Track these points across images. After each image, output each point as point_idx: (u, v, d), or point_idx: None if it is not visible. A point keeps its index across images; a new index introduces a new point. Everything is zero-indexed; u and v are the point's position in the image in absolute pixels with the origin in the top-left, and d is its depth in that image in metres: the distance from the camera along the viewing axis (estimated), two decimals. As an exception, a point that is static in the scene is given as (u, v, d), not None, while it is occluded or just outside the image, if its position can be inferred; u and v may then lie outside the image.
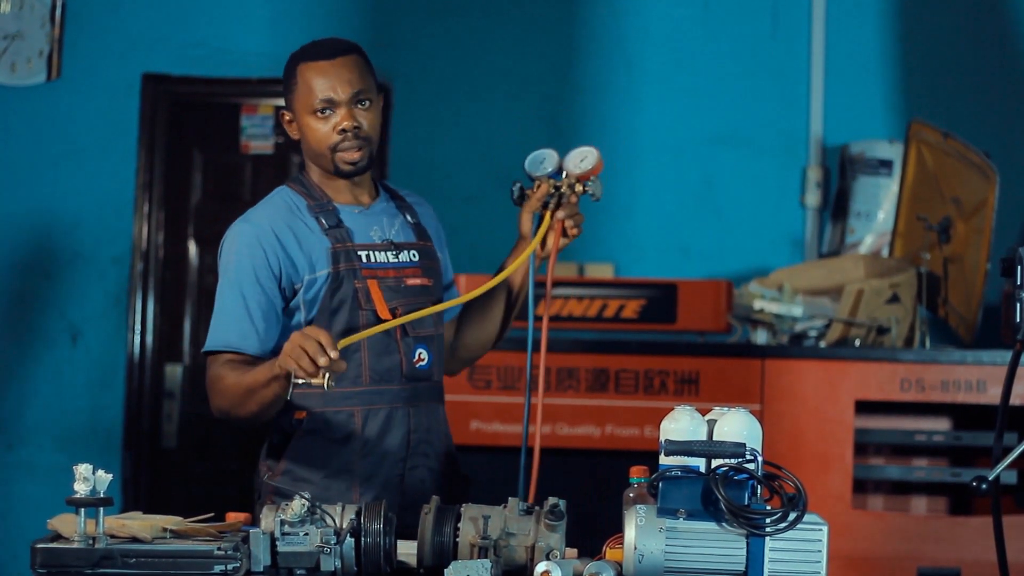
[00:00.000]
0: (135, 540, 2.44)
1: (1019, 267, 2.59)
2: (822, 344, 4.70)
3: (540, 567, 2.40)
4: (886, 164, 5.25)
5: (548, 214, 3.04)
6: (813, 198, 5.45)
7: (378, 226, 3.06)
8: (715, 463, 2.41)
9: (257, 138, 5.63)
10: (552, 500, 2.51)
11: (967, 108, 5.41)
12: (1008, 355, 2.65)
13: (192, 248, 5.64)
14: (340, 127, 2.97)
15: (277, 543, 2.47)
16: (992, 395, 4.51)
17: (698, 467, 2.42)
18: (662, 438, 2.45)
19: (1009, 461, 2.52)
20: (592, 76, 5.55)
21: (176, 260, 5.64)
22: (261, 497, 2.99)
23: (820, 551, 2.36)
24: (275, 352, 2.95)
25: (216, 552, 2.40)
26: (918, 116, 5.08)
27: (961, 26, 5.47)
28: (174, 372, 5.61)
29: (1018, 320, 2.60)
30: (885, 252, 5.18)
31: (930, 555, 4.44)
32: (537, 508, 2.53)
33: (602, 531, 2.53)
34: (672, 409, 2.50)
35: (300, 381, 2.68)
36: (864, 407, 4.58)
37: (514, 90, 5.56)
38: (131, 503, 5.43)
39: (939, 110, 5.29)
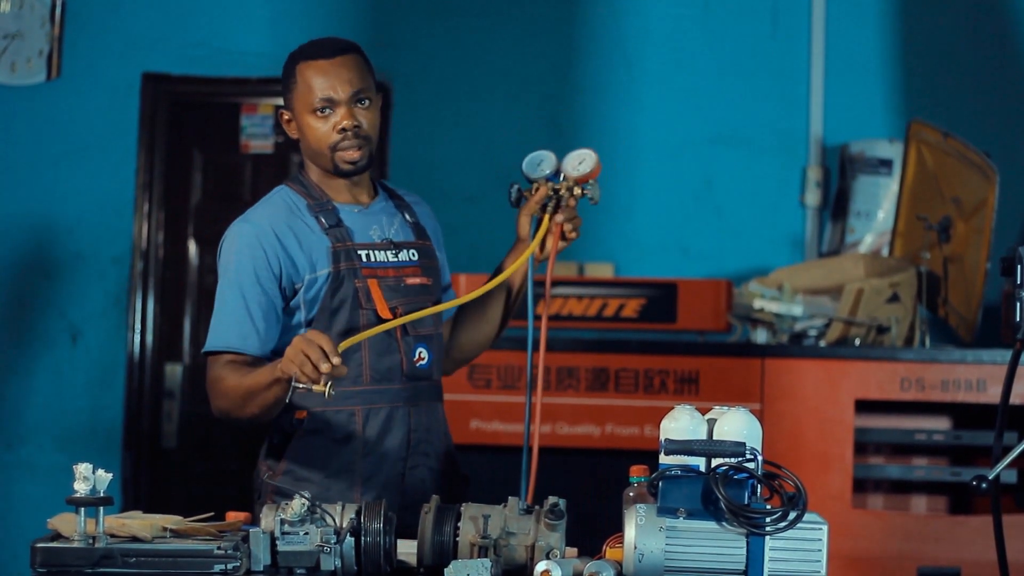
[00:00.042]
0: (135, 539, 2.44)
1: (1019, 266, 2.59)
2: (822, 343, 4.70)
3: (540, 566, 2.40)
4: (886, 164, 5.26)
5: (547, 217, 3.03)
6: (813, 198, 5.45)
7: (377, 225, 3.06)
8: (715, 462, 2.41)
9: (257, 138, 5.63)
10: (552, 499, 2.51)
11: (967, 108, 5.41)
12: (1008, 354, 2.65)
13: (192, 248, 5.65)
14: (340, 126, 2.97)
15: (277, 542, 2.47)
16: (992, 394, 4.51)
17: (698, 466, 2.42)
18: (662, 437, 2.45)
19: (1009, 460, 2.52)
20: (592, 76, 5.55)
21: (176, 260, 5.64)
22: (261, 497, 2.99)
23: (820, 550, 2.36)
24: (275, 352, 2.95)
25: (216, 551, 2.40)
26: (918, 116, 5.08)
27: (961, 26, 5.47)
28: (174, 372, 5.61)
29: (1018, 319, 2.60)
30: (885, 252, 5.18)
31: (930, 554, 4.44)
32: (537, 507, 2.53)
33: (602, 530, 2.53)
34: (672, 408, 2.50)
35: (301, 386, 2.67)
36: (864, 406, 4.58)
37: (514, 90, 5.57)
38: (131, 503, 5.43)
39: (939, 110, 5.29)
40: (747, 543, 2.35)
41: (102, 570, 2.38)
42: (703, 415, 2.48)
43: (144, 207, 5.61)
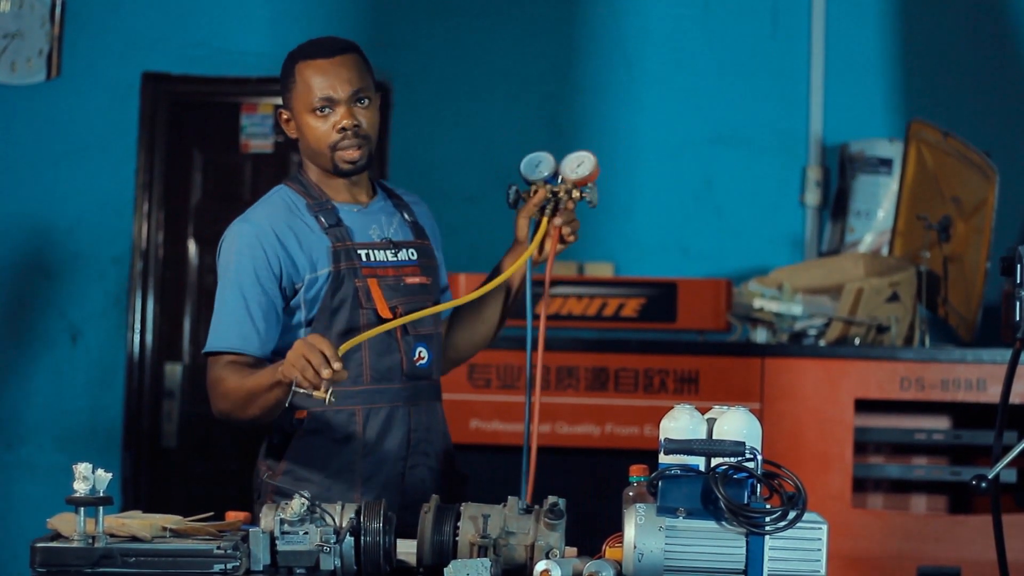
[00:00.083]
0: (135, 539, 2.44)
1: (1019, 266, 2.59)
2: (822, 343, 4.70)
3: (540, 566, 2.40)
4: (886, 163, 5.25)
5: (545, 220, 3.03)
6: (813, 197, 5.45)
7: (377, 225, 3.06)
8: (715, 462, 2.41)
9: (257, 137, 5.63)
10: (552, 499, 2.51)
11: (967, 108, 5.41)
12: (1008, 354, 2.65)
13: (192, 248, 5.65)
14: (340, 125, 2.96)
15: (277, 542, 2.47)
16: (992, 394, 4.51)
17: (698, 466, 2.42)
18: (662, 437, 2.45)
19: (1009, 460, 2.52)
20: (592, 76, 5.55)
21: (176, 260, 5.64)
22: (261, 497, 2.99)
23: (820, 550, 2.36)
24: (276, 352, 2.95)
25: (216, 551, 2.40)
26: (918, 115, 5.08)
27: (961, 26, 5.47)
28: (174, 372, 5.61)
29: (1018, 319, 2.60)
30: (885, 251, 5.18)
31: (930, 554, 4.44)
32: (537, 507, 2.53)
33: (602, 530, 2.53)
34: (672, 408, 2.50)
35: (302, 391, 2.67)
36: (864, 406, 4.58)
37: (514, 90, 5.57)
38: (131, 502, 5.43)
39: (939, 109, 5.29)
40: (747, 543, 2.35)
41: (102, 570, 2.38)
42: (703, 415, 2.48)
43: (144, 207, 5.61)
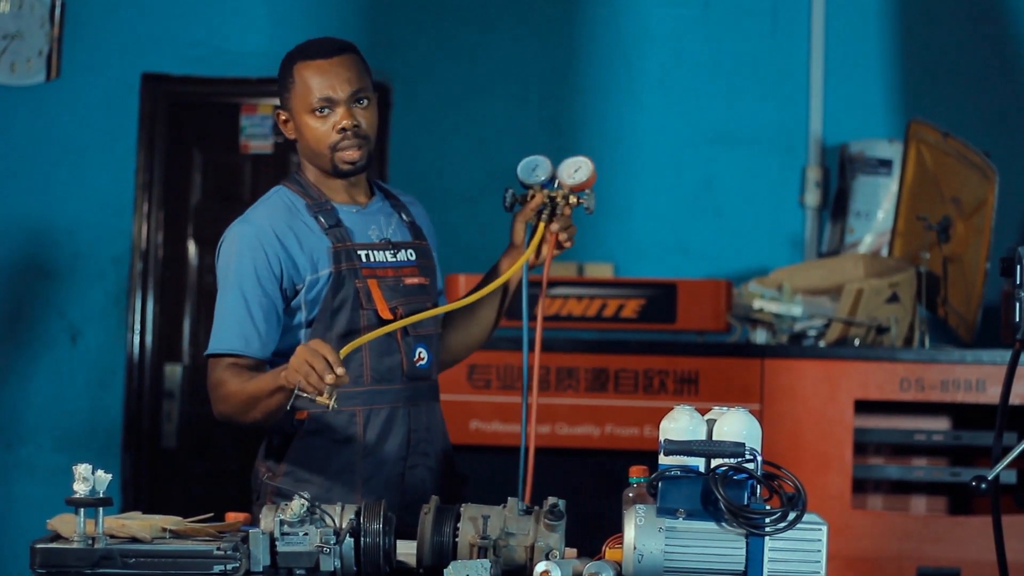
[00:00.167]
0: (135, 540, 2.44)
1: (1019, 267, 2.59)
2: (821, 344, 4.70)
3: (540, 567, 2.40)
4: (886, 164, 5.25)
5: (542, 225, 3.03)
6: (812, 198, 5.45)
7: (376, 225, 3.06)
8: (714, 463, 2.41)
9: (256, 138, 5.63)
10: (551, 500, 2.51)
11: (967, 108, 5.41)
12: (1008, 355, 2.65)
13: (192, 248, 5.65)
14: (340, 126, 2.96)
15: (276, 543, 2.47)
16: (992, 395, 4.51)
17: (697, 467, 2.42)
18: (661, 438, 2.45)
19: (1008, 461, 2.52)
20: (592, 76, 5.55)
21: (176, 260, 5.64)
22: (260, 498, 2.99)
23: (820, 551, 2.36)
24: (276, 353, 2.95)
25: (216, 552, 2.40)
26: (918, 116, 5.08)
27: (961, 26, 5.47)
28: (174, 372, 5.61)
29: (1017, 319, 2.60)
30: (884, 252, 5.18)
31: (930, 555, 4.44)
32: (536, 508, 2.53)
33: (602, 531, 2.53)
34: (671, 409, 2.50)
35: (305, 395, 2.68)
36: (863, 407, 4.58)
37: (514, 90, 5.57)
38: (131, 503, 5.43)
39: (939, 110, 5.29)
40: (746, 544, 2.35)
41: (101, 571, 2.38)
42: (703, 415, 2.48)
43: (144, 207, 5.61)
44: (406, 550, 2.54)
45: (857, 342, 4.63)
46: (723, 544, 2.36)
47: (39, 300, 5.58)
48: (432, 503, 2.56)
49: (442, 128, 5.57)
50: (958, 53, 5.47)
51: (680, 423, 2.45)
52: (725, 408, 2.48)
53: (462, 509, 2.53)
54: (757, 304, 4.73)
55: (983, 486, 2.46)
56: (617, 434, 4.60)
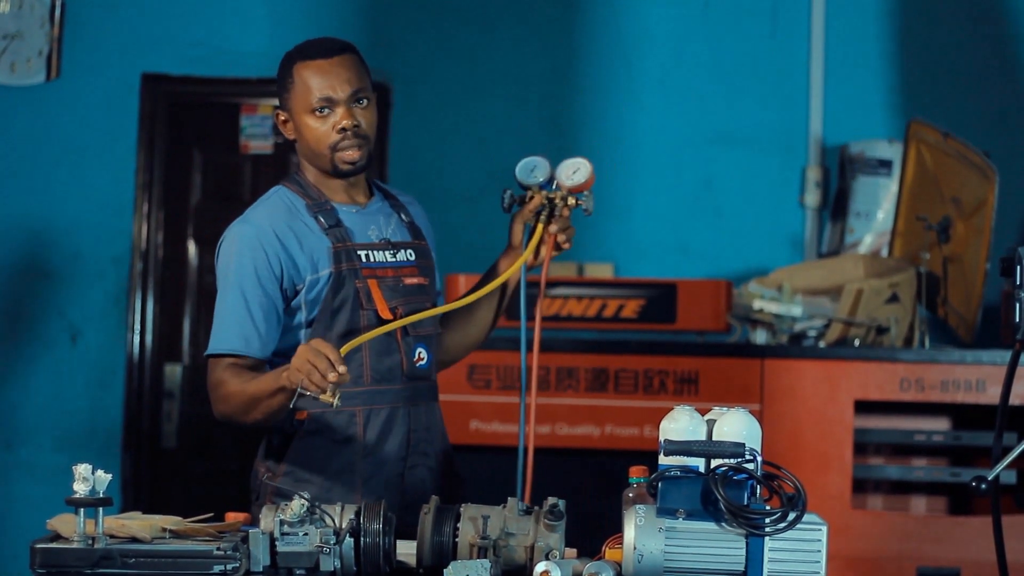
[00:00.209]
0: (134, 540, 2.44)
1: (1019, 267, 2.59)
2: (821, 344, 4.70)
3: (539, 567, 2.40)
4: (886, 164, 5.25)
5: (541, 226, 3.03)
6: (812, 198, 5.45)
7: (375, 225, 3.06)
8: (714, 463, 2.41)
9: (256, 138, 5.63)
10: (551, 500, 2.51)
11: (967, 108, 5.41)
12: (1008, 355, 2.65)
13: (192, 248, 5.65)
14: (340, 126, 2.96)
15: (276, 543, 2.47)
16: (992, 395, 4.51)
17: (697, 467, 2.42)
18: (661, 438, 2.45)
19: (1008, 461, 2.52)
20: (592, 76, 5.55)
21: (176, 260, 5.64)
22: (260, 498, 2.99)
23: (819, 551, 2.36)
24: (276, 353, 2.95)
25: (215, 552, 2.40)
26: (918, 116, 5.08)
27: (961, 26, 5.47)
28: (174, 372, 5.61)
29: (1017, 320, 2.60)
30: (884, 252, 5.18)
31: (930, 555, 4.44)
32: (536, 508, 2.53)
33: (602, 531, 2.53)
34: (671, 409, 2.49)
35: (308, 394, 2.68)
36: (863, 407, 4.58)
37: (514, 90, 5.56)
38: (131, 503, 5.43)
39: (939, 110, 5.29)
40: (746, 544, 2.35)
41: (101, 571, 2.38)
42: (703, 416, 2.48)
43: (144, 207, 5.61)
44: (406, 550, 2.54)
45: (857, 342, 4.63)
46: (723, 544, 2.36)
47: (39, 300, 5.58)
48: (432, 503, 2.56)
49: (442, 128, 5.57)
50: (958, 53, 5.47)
51: (680, 423, 2.45)
52: (725, 408, 2.48)
53: (462, 509, 2.53)
54: (757, 304, 4.73)
55: (983, 486, 2.46)
56: (617, 434, 4.60)
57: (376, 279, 2.99)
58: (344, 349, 2.72)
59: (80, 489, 2.39)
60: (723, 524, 2.36)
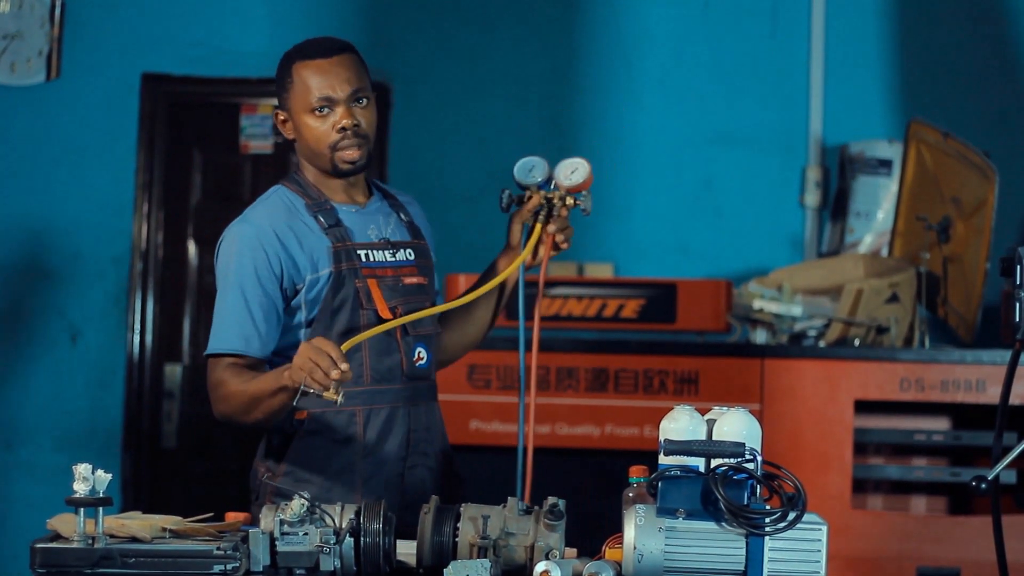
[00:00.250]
0: (134, 540, 2.44)
1: (1019, 267, 2.59)
2: (821, 344, 4.70)
3: (539, 567, 2.40)
4: (886, 164, 5.25)
5: (539, 226, 3.03)
6: (812, 198, 5.45)
7: (375, 225, 3.06)
8: (714, 463, 2.41)
9: (256, 138, 5.63)
10: (551, 500, 2.51)
11: (967, 108, 5.41)
12: (1008, 355, 2.65)
13: (192, 248, 5.65)
14: (339, 125, 2.96)
15: (276, 543, 2.47)
16: (992, 395, 4.51)
17: (697, 467, 2.42)
18: (661, 438, 2.45)
19: (1008, 461, 2.52)
20: (592, 76, 5.55)
21: (176, 260, 5.64)
22: (260, 498, 2.99)
23: (819, 551, 2.36)
24: (275, 353, 2.95)
25: (215, 552, 2.40)
26: (918, 116, 5.08)
27: (961, 26, 5.47)
28: (174, 372, 5.61)
29: (1017, 319, 2.60)
30: (884, 252, 5.18)
31: (930, 555, 4.44)
32: (536, 508, 2.53)
33: (602, 531, 2.53)
34: (671, 409, 2.49)
35: (311, 391, 2.68)
36: (863, 407, 4.58)
37: (514, 90, 5.57)
38: (131, 503, 5.43)
39: (939, 110, 5.29)
40: (746, 544, 2.35)
41: (101, 571, 2.38)
42: (703, 415, 2.48)
43: (144, 207, 5.61)
44: (406, 550, 2.54)
45: (857, 342, 4.63)
46: (723, 544, 2.36)
47: (39, 300, 5.58)
48: (432, 503, 2.56)
49: (442, 128, 5.57)
50: (958, 53, 5.47)
51: (680, 423, 2.45)
52: (725, 408, 2.48)
53: (462, 509, 2.53)
54: (757, 304, 4.73)
55: (983, 486, 2.46)
56: (617, 434, 4.60)
57: (376, 279, 2.99)
58: (345, 347, 2.72)
59: (80, 489, 2.39)
60: (723, 524, 2.36)
